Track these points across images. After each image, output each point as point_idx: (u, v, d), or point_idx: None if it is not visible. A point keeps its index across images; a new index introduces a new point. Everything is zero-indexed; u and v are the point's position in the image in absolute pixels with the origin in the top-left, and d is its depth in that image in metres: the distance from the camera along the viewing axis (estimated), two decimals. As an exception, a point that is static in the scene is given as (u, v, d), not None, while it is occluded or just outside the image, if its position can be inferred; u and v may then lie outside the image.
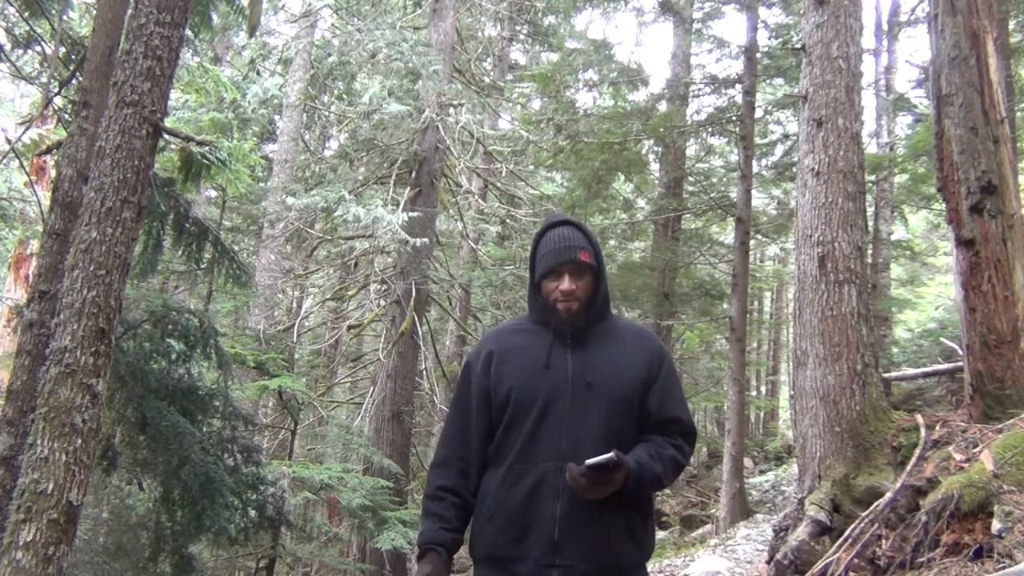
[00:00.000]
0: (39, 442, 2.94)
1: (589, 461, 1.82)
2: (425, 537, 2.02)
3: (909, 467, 4.77)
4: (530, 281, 2.16)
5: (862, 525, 4.60)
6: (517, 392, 2.00)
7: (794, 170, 9.84)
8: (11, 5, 5.34)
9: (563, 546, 1.91)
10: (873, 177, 11.65)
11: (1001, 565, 3.39)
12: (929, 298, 16.62)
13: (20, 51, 5.51)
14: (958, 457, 4.38)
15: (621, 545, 1.96)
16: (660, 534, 12.18)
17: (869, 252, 10.57)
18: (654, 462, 1.97)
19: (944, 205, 5.23)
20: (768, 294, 24.83)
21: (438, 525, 2.02)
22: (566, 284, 2.04)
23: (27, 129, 6.42)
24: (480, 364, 2.10)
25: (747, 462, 14.47)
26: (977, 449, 4.32)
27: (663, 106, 12.59)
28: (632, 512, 1.99)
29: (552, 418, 1.97)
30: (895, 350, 11.52)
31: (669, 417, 2.07)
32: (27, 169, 6.99)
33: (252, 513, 5.15)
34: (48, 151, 6.43)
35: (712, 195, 13.07)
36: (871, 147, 12.58)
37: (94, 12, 4.16)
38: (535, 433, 1.97)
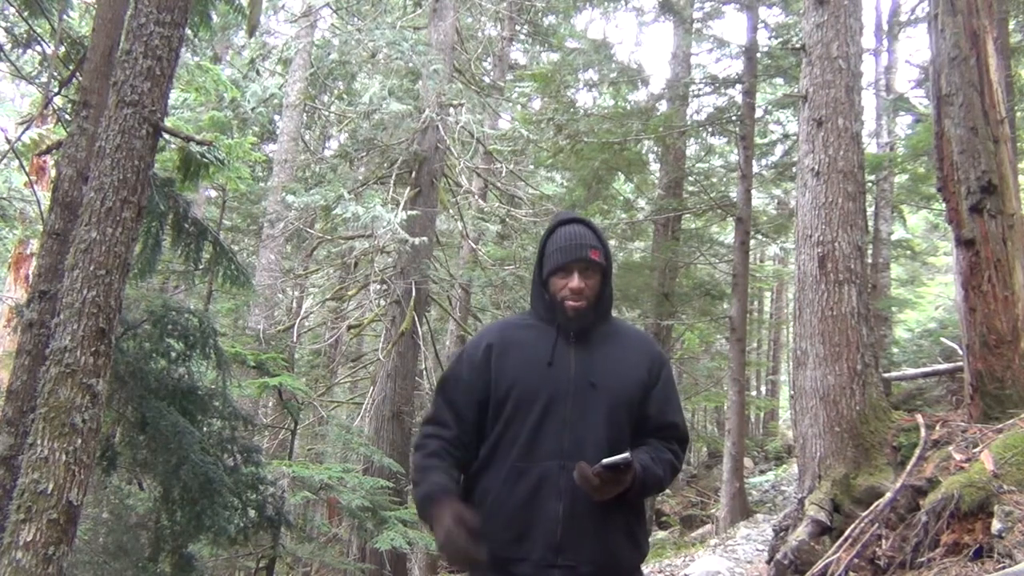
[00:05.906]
0: (39, 442, 2.94)
1: (606, 461, 1.79)
2: (439, 486, 1.94)
3: (909, 467, 4.77)
4: (536, 277, 2.13)
5: (862, 525, 4.60)
6: (519, 388, 1.98)
7: (794, 170, 9.83)
8: (11, 5, 5.34)
9: (565, 546, 1.89)
10: (873, 177, 11.64)
11: (1001, 565, 3.39)
12: (929, 298, 16.60)
13: (20, 51, 5.50)
14: (958, 457, 4.38)
15: (622, 546, 1.96)
16: (660, 534, 12.18)
17: (869, 252, 10.57)
18: (656, 465, 1.98)
19: (944, 205, 5.23)
20: (768, 294, 24.80)
21: (447, 478, 1.96)
22: (575, 282, 2.01)
23: (27, 129, 6.42)
24: (480, 356, 2.05)
25: (747, 462, 14.46)
26: (977, 449, 4.32)
27: (663, 106, 12.58)
28: (631, 514, 1.99)
29: (555, 417, 1.95)
30: (895, 350, 11.52)
31: (667, 422, 2.08)
32: (27, 169, 7.00)
33: (252, 513, 5.14)
34: (48, 151, 6.44)
35: (712, 195, 13.06)
36: (871, 147, 12.58)
37: (94, 12, 4.16)
38: (537, 432, 1.95)
